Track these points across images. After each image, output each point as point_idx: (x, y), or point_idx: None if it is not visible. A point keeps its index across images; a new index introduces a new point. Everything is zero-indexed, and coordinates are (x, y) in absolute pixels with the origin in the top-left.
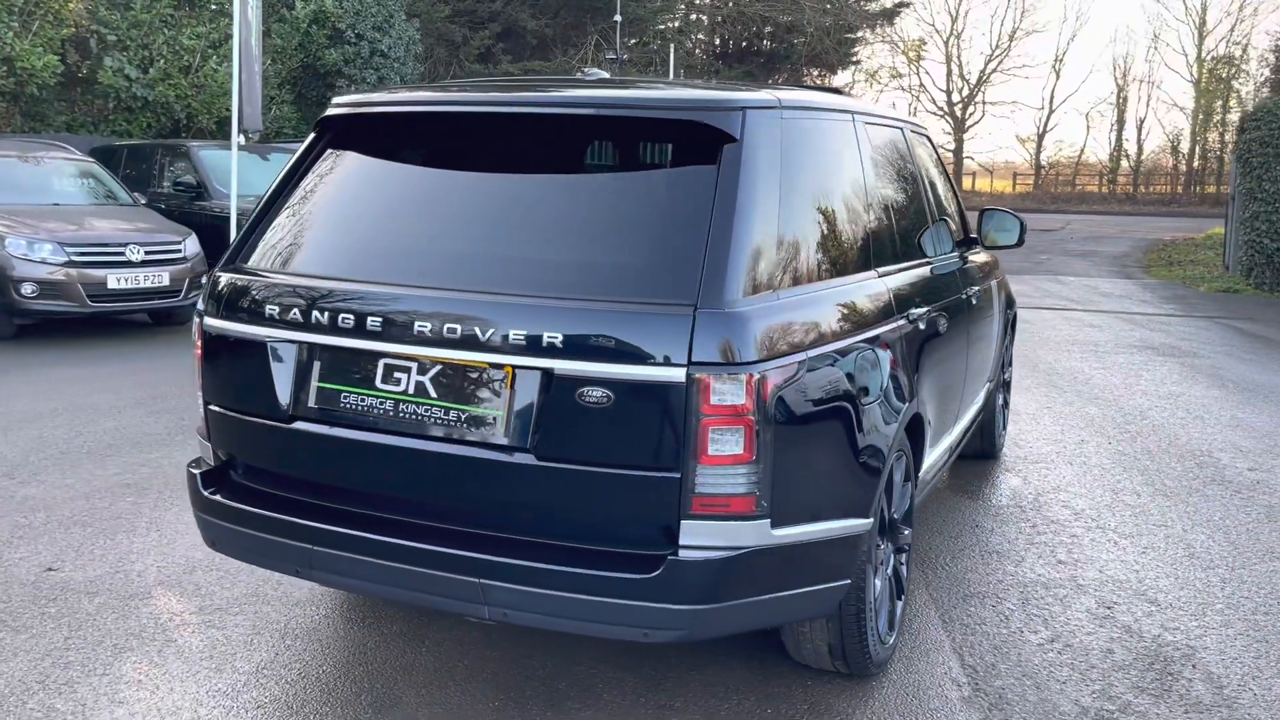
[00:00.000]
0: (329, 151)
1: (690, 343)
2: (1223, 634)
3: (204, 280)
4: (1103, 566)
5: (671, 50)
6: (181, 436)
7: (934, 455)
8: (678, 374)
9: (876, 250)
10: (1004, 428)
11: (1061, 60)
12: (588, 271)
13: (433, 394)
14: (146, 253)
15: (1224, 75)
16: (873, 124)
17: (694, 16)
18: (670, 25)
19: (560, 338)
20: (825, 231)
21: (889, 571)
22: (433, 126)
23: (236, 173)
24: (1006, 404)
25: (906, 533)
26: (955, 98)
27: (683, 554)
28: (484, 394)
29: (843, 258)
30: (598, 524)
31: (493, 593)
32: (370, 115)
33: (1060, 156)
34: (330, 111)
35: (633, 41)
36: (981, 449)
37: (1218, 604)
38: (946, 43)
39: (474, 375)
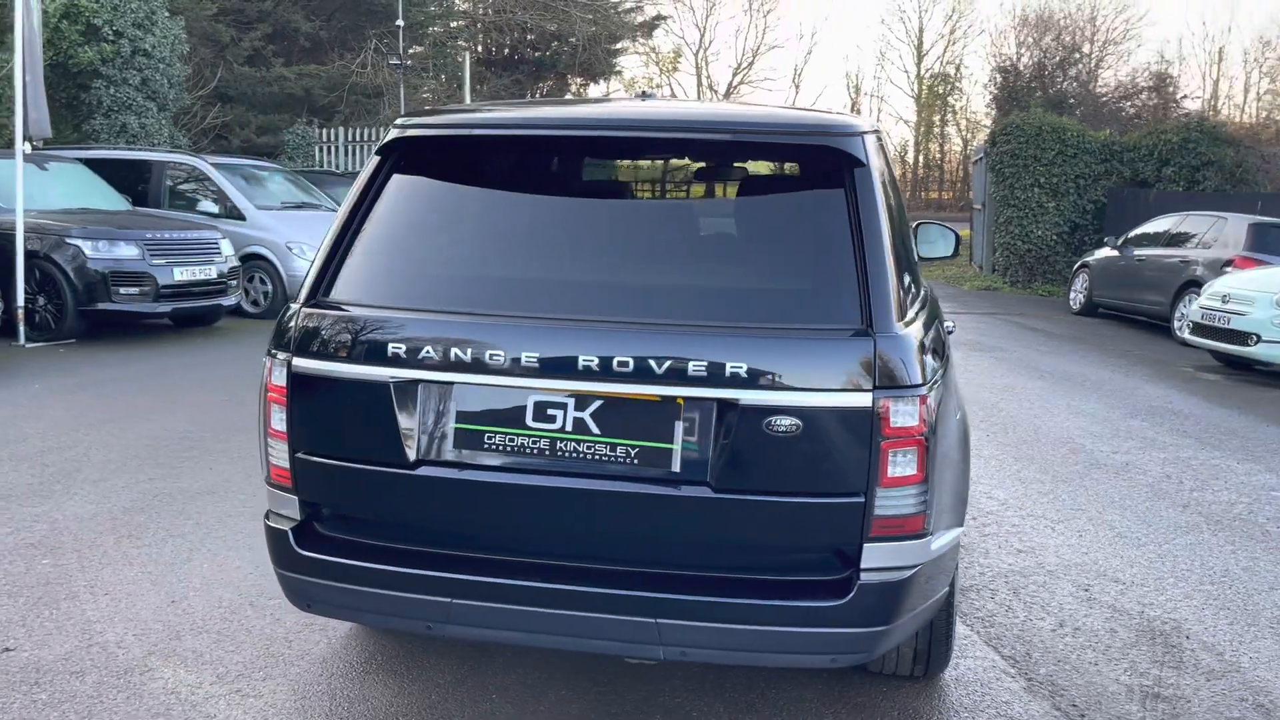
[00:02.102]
0: (407, 175)
1: (875, 367)
2: (1190, 605)
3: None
4: (1056, 551)
5: (467, 59)
6: (60, 486)
7: None
8: (865, 399)
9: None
10: None
11: (800, 75)
12: (742, 298)
13: (595, 430)
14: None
15: (941, 91)
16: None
17: (456, 23)
18: (450, 28)
19: (745, 367)
20: (908, 256)
21: None
22: (540, 149)
23: (21, 184)
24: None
25: None
26: None
27: (866, 577)
28: (654, 427)
29: (915, 281)
30: (775, 554)
31: (669, 632)
32: (463, 137)
33: None
34: (409, 132)
35: (415, 49)
36: None
37: (1168, 578)
38: (696, 55)
39: (642, 409)
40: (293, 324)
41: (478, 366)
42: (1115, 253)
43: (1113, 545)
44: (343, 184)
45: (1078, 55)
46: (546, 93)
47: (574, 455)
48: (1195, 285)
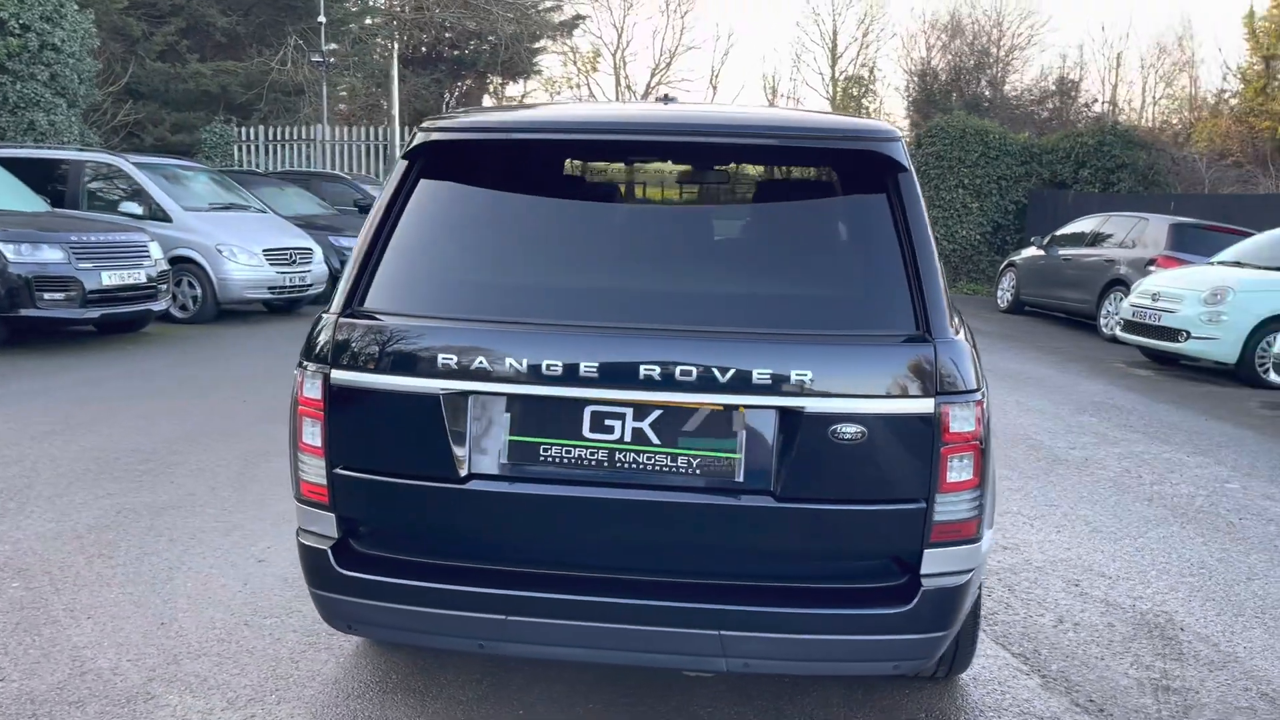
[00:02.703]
0: (437, 180)
1: (936, 373)
2: (1177, 597)
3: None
4: (1040, 548)
5: (395, 56)
6: (14, 504)
7: None
8: (928, 405)
9: None
10: None
11: (717, 76)
12: (795, 305)
13: (654, 440)
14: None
15: (855, 93)
16: None
17: (375, 20)
18: (369, 25)
19: (809, 375)
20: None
21: None
22: (577, 153)
23: None
24: None
25: None
26: None
27: (927, 583)
28: (715, 437)
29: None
30: (835, 561)
31: (733, 644)
32: (496, 141)
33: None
34: (437, 136)
35: (333, 47)
36: None
37: (1150, 572)
38: (615, 55)
39: (703, 418)
40: (329, 334)
41: (534, 377)
42: (1041, 252)
43: (1091, 540)
44: (268, 185)
45: (988, 59)
46: (465, 92)
47: (633, 466)
48: (1120, 284)
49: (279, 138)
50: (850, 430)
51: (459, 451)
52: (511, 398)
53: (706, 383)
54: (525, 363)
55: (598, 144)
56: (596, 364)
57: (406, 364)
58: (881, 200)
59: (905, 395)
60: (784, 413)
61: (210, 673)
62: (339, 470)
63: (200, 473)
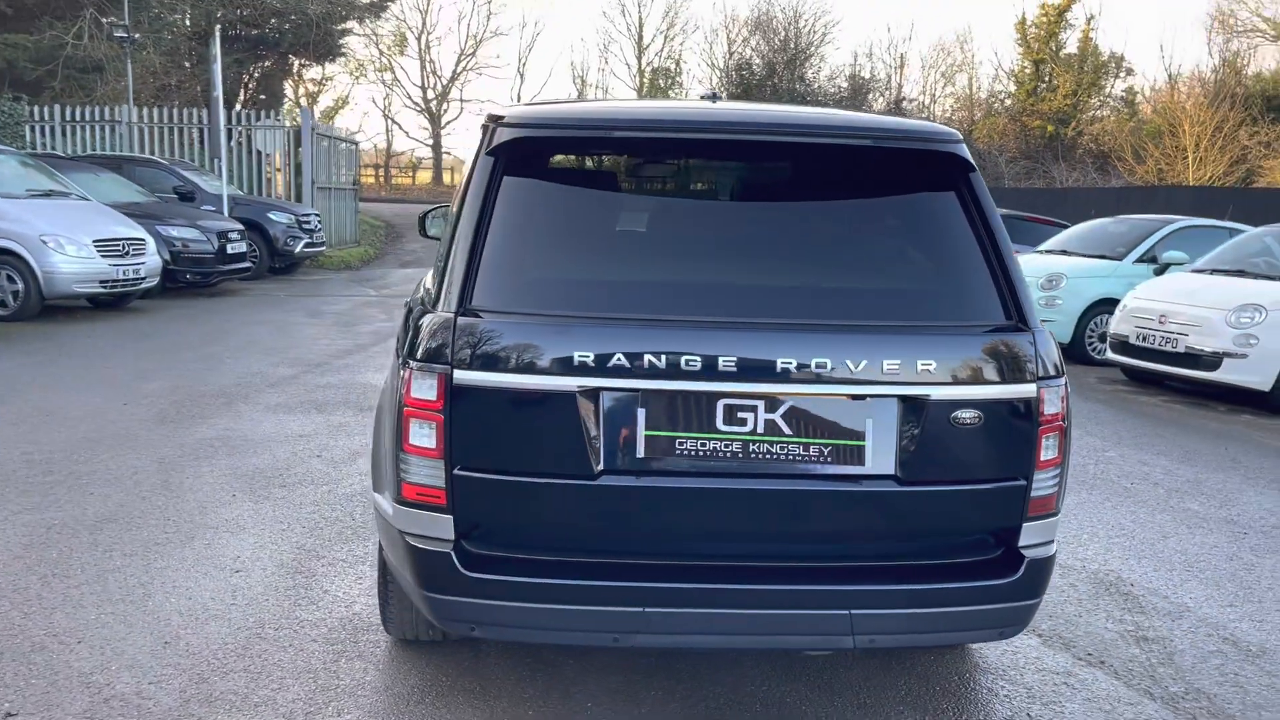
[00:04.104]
0: (523, 176)
1: (1036, 359)
2: (1115, 557)
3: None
4: None
5: (217, 33)
6: None
7: None
8: (1031, 389)
9: None
10: None
11: (525, 63)
12: (901, 298)
13: (786, 430)
14: None
15: (663, 85)
16: None
17: None
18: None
19: (934, 364)
20: None
21: None
22: (672, 150)
23: None
24: None
25: None
26: (430, 94)
27: (1028, 554)
28: (845, 425)
29: None
30: (947, 538)
31: (862, 622)
32: (584, 138)
33: None
34: (524, 132)
35: (137, 21)
36: None
37: (1083, 535)
38: (419, 39)
39: (833, 407)
40: (446, 334)
41: (668, 372)
42: None
43: None
44: (80, 170)
45: (789, 54)
46: (265, 73)
47: (767, 456)
48: None
49: (77, 118)
50: (967, 415)
51: (592, 448)
52: (645, 393)
53: (836, 374)
54: (664, 359)
55: (687, 141)
56: (731, 358)
57: (538, 363)
58: (959, 198)
59: (1013, 380)
60: (909, 400)
61: (249, 690)
62: (460, 471)
63: (118, 481)
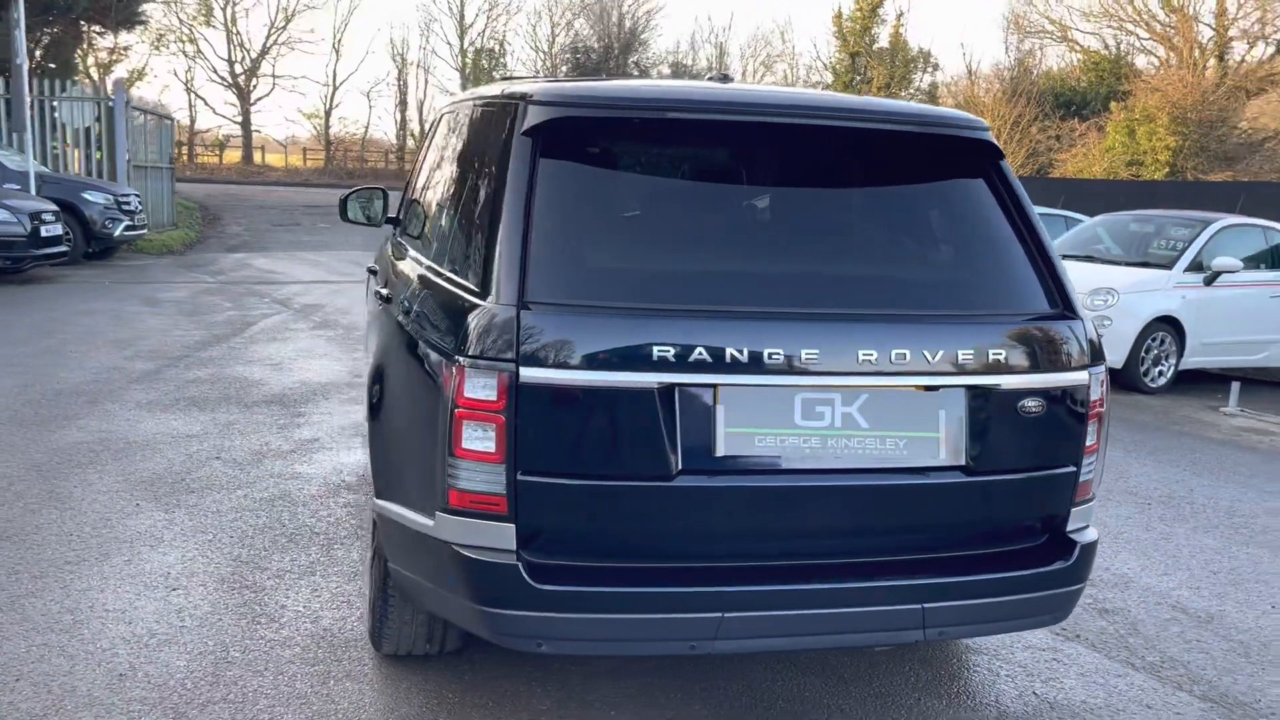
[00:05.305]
0: (563, 160)
1: (1086, 347)
2: None
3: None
4: None
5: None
6: None
7: None
8: (1083, 376)
9: None
10: None
11: (340, 39)
12: (955, 288)
13: (862, 424)
14: None
15: (487, 66)
16: None
17: None
18: None
19: (1003, 354)
20: None
21: None
22: (717, 133)
23: None
24: None
25: None
26: (238, 69)
27: (1077, 538)
28: (918, 417)
29: None
30: (1006, 527)
31: (933, 615)
32: (630, 120)
33: (347, 134)
34: (568, 112)
35: None
36: None
37: None
38: (225, 9)
39: (907, 399)
40: (507, 330)
41: (747, 367)
42: None
43: None
44: None
45: (624, 40)
46: (55, 40)
47: (843, 451)
48: None
49: None
50: (1031, 403)
51: (670, 447)
52: (723, 388)
53: (910, 365)
54: (747, 352)
55: (739, 125)
56: (813, 351)
57: (614, 358)
58: (992, 186)
59: (1071, 368)
60: (978, 390)
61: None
62: (526, 477)
63: None
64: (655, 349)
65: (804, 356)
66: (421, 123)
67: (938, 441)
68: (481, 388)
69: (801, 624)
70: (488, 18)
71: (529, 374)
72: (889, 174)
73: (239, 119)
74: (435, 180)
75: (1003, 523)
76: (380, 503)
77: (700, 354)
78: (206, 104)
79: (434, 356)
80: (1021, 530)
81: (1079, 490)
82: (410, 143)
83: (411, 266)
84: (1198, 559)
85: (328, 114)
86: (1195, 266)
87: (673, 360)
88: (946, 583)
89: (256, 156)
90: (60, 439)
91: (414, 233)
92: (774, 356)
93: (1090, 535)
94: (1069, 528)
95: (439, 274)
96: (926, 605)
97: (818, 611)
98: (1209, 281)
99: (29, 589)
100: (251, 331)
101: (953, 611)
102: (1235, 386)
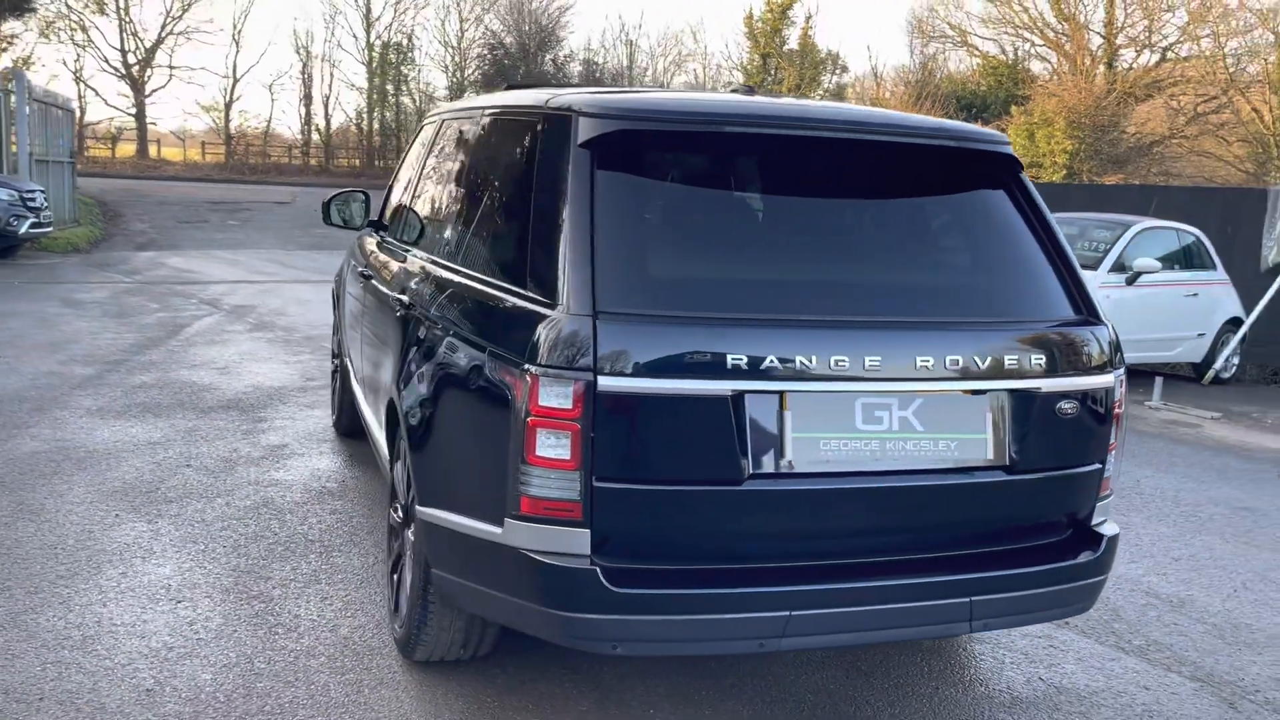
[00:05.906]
0: (621, 171)
1: (1109, 350)
2: None
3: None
4: None
5: None
6: None
7: None
8: (1111, 378)
9: None
10: None
11: (240, 30)
12: (992, 296)
13: (918, 427)
14: None
15: (394, 60)
16: None
17: None
18: None
19: (1044, 359)
20: None
21: None
22: (772, 146)
23: None
24: None
25: None
26: (132, 59)
27: (1103, 531)
28: (968, 420)
29: None
30: (1040, 522)
31: (980, 608)
32: (684, 133)
33: (248, 127)
34: (621, 125)
35: None
36: None
37: None
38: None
39: (958, 403)
40: (585, 339)
41: (818, 373)
42: None
43: None
44: None
45: (540, 38)
46: None
47: (901, 454)
48: None
49: None
50: (1067, 405)
51: (742, 452)
52: (790, 394)
53: (962, 370)
54: (815, 359)
55: (792, 138)
56: (876, 357)
57: (690, 367)
58: (1018, 197)
59: (1101, 371)
60: (1022, 393)
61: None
62: (602, 484)
63: None
64: (731, 357)
65: (866, 363)
66: (327, 117)
67: (985, 442)
68: (556, 396)
69: (862, 620)
70: (395, 10)
71: (606, 383)
72: (927, 186)
73: (133, 110)
74: (445, 188)
75: (1038, 518)
76: (427, 510)
77: (771, 362)
78: (98, 95)
79: (492, 365)
80: (1053, 525)
81: (1102, 485)
82: (316, 137)
83: (429, 271)
84: (1158, 546)
85: (228, 107)
86: (1118, 267)
87: (745, 368)
88: (992, 577)
89: (152, 150)
90: (14, 449)
91: (416, 238)
92: (839, 364)
93: (1112, 528)
94: (1094, 521)
95: (483, 282)
96: (974, 598)
97: (877, 607)
98: (1130, 281)
99: (27, 605)
100: (187, 334)
101: (997, 604)
102: (1159, 381)
